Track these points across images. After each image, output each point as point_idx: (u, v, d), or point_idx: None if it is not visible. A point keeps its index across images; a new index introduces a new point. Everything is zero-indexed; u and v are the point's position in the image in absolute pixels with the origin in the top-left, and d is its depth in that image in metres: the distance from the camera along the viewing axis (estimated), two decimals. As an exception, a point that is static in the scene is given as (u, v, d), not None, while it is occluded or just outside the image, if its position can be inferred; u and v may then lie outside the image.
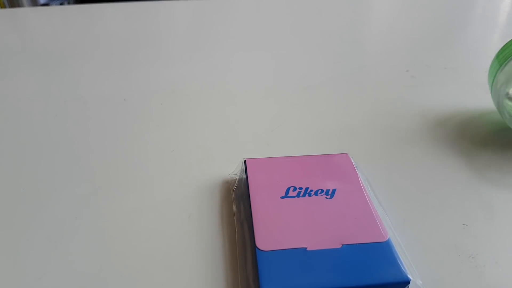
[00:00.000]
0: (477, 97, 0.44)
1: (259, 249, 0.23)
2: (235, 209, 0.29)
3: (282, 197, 0.27)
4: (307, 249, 0.23)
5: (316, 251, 0.23)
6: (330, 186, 0.28)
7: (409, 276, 0.22)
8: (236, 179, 0.31)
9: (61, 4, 2.11)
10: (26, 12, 0.79)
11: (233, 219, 0.28)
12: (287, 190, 0.28)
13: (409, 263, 0.25)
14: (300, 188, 0.28)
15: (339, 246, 0.24)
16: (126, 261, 0.25)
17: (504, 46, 0.36)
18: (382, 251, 0.23)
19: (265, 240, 0.24)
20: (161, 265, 0.25)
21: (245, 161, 0.30)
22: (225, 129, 0.39)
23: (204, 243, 0.26)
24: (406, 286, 0.22)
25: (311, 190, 0.28)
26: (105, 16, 0.70)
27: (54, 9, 0.80)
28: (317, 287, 0.22)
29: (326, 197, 0.27)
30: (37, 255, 0.26)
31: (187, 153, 0.35)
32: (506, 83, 0.34)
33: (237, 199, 0.29)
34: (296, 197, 0.27)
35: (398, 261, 0.23)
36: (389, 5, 0.79)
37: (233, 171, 0.32)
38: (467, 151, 0.35)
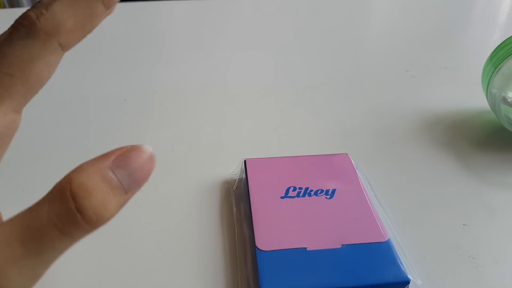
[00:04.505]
0: (477, 97, 0.44)
1: (259, 249, 0.23)
2: (235, 209, 0.29)
3: (282, 197, 0.27)
4: (307, 249, 0.23)
5: (316, 251, 0.23)
6: (330, 186, 0.28)
7: (409, 276, 0.22)
8: (236, 179, 0.31)
9: (61, 4, 2.10)
10: (26, 12, 0.79)
11: (233, 219, 0.28)
12: (287, 190, 0.28)
13: (409, 263, 0.25)
14: (300, 188, 0.28)
15: (339, 246, 0.24)
16: (126, 261, 0.25)
17: (497, 48, 0.36)
18: (382, 251, 0.23)
19: (265, 240, 0.24)
20: (161, 264, 0.25)
21: (245, 161, 0.30)
22: (225, 129, 0.39)
23: (204, 243, 0.26)
24: (406, 286, 0.22)
25: (311, 190, 0.28)
26: (105, 16, 0.70)
27: (54, 9, 0.79)
28: (317, 287, 0.22)
29: (326, 197, 0.27)
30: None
31: (187, 153, 0.35)
32: (501, 86, 0.34)
33: (237, 199, 0.29)
34: (296, 197, 0.27)
35: (398, 261, 0.23)
36: (389, 5, 0.79)
37: (233, 171, 0.32)
38: (467, 151, 0.35)
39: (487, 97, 0.37)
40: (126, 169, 0.18)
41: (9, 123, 0.19)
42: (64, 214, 0.16)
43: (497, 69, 0.34)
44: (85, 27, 0.19)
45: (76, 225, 0.16)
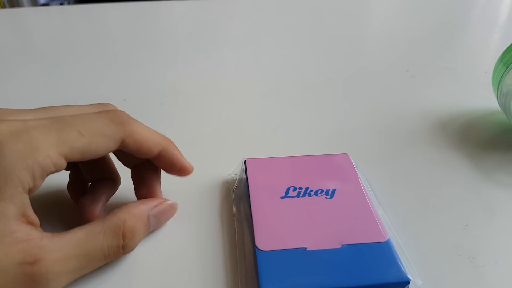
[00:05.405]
0: (477, 98, 0.44)
1: (259, 249, 0.23)
2: (235, 209, 0.29)
3: (282, 197, 0.27)
4: (307, 249, 0.23)
5: (316, 251, 0.23)
6: (330, 186, 0.28)
7: (409, 276, 0.22)
8: (236, 179, 0.31)
9: (61, 4, 2.11)
10: (26, 12, 0.79)
11: (233, 219, 0.28)
12: (287, 190, 0.28)
13: (409, 263, 0.25)
14: (300, 188, 0.28)
15: (339, 246, 0.24)
16: (125, 261, 0.25)
17: (508, 48, 0.36)
18: (382, 251, 0.23)
19: (265, 240, 0.24)
20: (160, 265, 0.25)
21: (245, 161, 0.30)
22: (225, 129, 0.39)
23: (204, 243, 0.26)
24: (406, 286, 0.22)
25: (311, 190, 0.28)
26: (105, 16, 0.70)
27: (54, 9, 0.80)
28: (317, 287, 0.22)
29: (326, 197, 0.27)
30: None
31: (187, 153, 0.35)
32: None
33: (237, 199, 0.29)
34: (296, 197, 0.27)
35: (398, 261, 0.23)
36: (389, 5, 0.79)
37: (233, 171, 0.32)
38: (466, 151, 0.35)
39: (497, 98, 0.37)
40: (157, 216, 0.26)
41: None
42: (113, 247, 0.22)
43: (508, 69, 0.34)
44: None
45: (117, 256, 0.23)
